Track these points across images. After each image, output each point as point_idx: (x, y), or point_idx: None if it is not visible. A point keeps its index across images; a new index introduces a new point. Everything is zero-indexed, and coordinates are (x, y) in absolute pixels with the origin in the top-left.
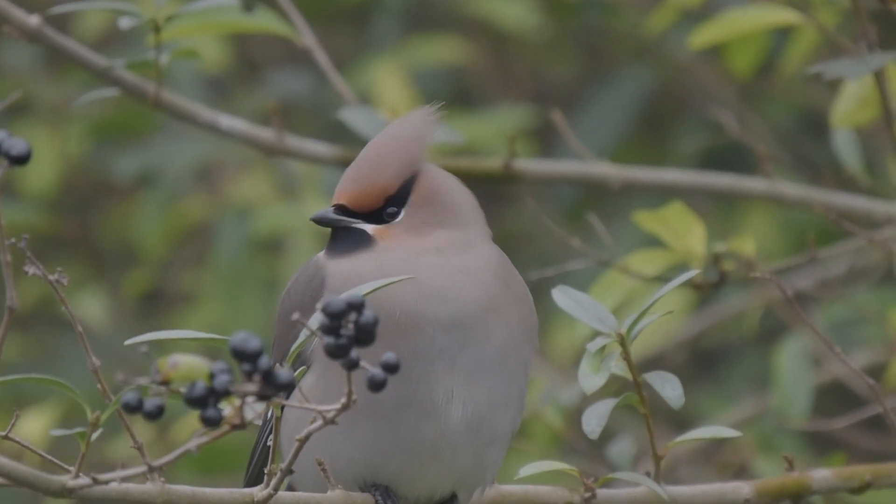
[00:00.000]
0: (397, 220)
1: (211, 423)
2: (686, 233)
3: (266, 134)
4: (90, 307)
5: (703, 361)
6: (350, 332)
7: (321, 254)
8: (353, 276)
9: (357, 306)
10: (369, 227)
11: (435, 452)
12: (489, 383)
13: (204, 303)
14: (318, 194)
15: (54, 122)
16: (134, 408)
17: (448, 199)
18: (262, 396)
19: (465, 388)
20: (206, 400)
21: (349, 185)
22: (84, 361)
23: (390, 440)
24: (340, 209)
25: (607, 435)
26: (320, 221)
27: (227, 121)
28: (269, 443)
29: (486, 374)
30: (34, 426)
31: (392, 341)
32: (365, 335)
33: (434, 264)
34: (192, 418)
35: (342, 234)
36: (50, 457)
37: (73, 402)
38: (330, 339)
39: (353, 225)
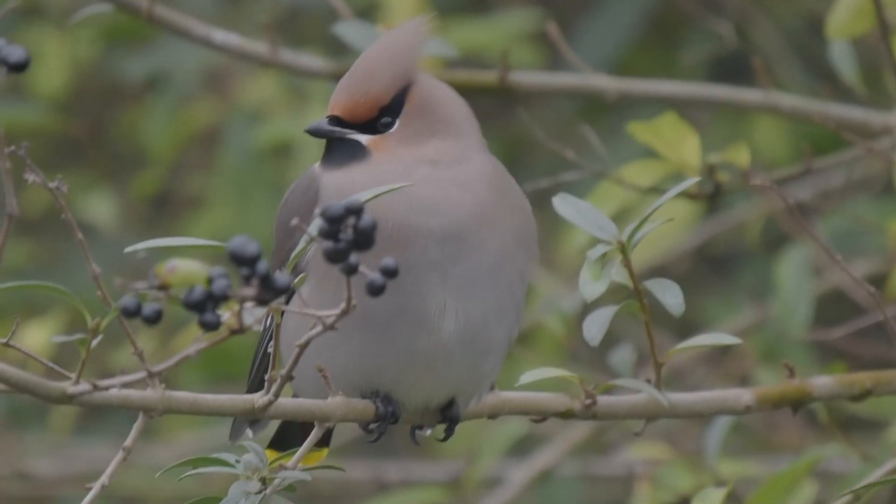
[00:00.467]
0: (391, 130)
1: (209, 327)
2: (680, 143)
3: (260, 48)
4: (99, 209)
5: (705, 271)
6: (349, 236)
7: (316, 165)
8: (347, 187)
9: (355, 210)
10: (363, 138)
11: (429, 363)
12: (483, 295)
13: (212, 206)
14: (325, 102)
15: (64, 26)
16: (132, 312)
17: (442, 109)
18: (260, 301)
19: (458, 300)
20: (204, 304)
21: (342, 97)
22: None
23: (384, 351)
24: (335, 120)
25: (609, 343)
26: (315, 133)
27: (220, 35)
28: (270, 350)
29: (480, 286)
30: (38, 335)
31: (384, 253)
32: (364, 239)
33: (427, 176)
34: (195, 328)
35: (337, 145)
36: (51, 364)
37: (78, 309)
38: (329, 244)
39: (347, 136)
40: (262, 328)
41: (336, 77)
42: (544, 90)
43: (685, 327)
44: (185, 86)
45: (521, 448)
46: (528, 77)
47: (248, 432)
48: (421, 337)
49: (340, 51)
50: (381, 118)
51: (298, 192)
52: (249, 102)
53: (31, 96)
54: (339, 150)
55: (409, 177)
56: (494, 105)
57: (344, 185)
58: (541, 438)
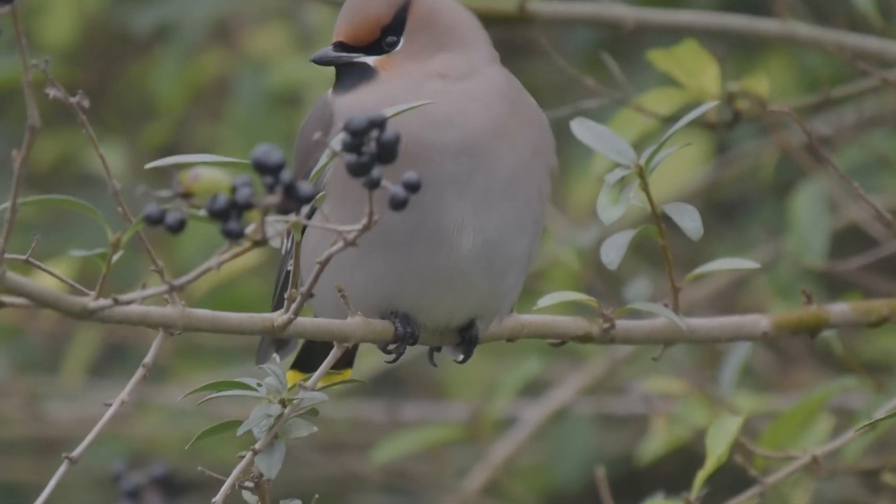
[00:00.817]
0: (397, 48)
1: (232, 235)
2: (700, 71)
3: None
4: (108, 160)
5: (720, 209)
6: (372, 149)
7: (329, 92)
8: (358, 108)
9: (379, 123)
10: (369, 59)
11: (449, 281)
12: (500, 210)
13: (221, 154)
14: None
15: None
16: (156, 220)
17: (448, 21)
18: (284, 209)
19: (475, 216)
20: (227, 212)
21: (344, 22)
22: (103, 216)
23: (403, 269)
24: (339, 46)
25: (622, 280)
26: (320, 61)
27: None
28: (290, 268)
29: (497, 201)
30: (58, 269)
31: (400, 170)
32: (387, 153)
33: (438, 90)
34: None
35: (345, 70)
36: (71, 282)
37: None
38: (352, 157)
39: (354, 59)
40: (283, 247)
41: (340, 4)
42: (563, 19)
43: (695, 264)
44: (193, 36)
45: (536, 389)
46: (547, 7)
47: (275, 356)
48: (440, 254)
49: None
50: (384, 38)
51: (314, 119)
52: (257, 51)
53: (39, 47)
54: (348, 74)
55: (419, 92)
56: (508, 45)
57: (356, 106)
58: (555, 379)
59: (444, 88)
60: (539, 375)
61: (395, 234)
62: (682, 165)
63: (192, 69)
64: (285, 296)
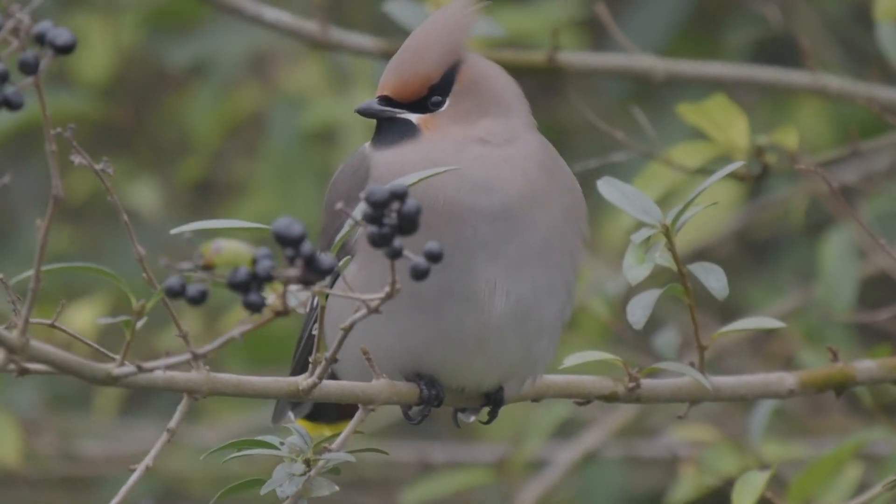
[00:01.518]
0: (441, 109)
1: (254, 308)
2: (729, 125)
3: (310, 26)
4: (143, 196)
5: (749, 253)
6: (393, 220)
7: (367, 144)
8: (398, 166)
9: (400, 195)
10: (413, 117)
11: (479, 343)
12: (533, 274)
13: (256, 192)
14: (370, 85)
15: (108, 12)
16: (177, 293)
17: (492, 88)
18: (304, 281)
19: (508, 278)
20: (248, 285)
21: (392, 76)
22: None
23: (432, 330)
24: (385, 100)
25: (653, 326)
26: (365, 113)
27: (271, 13)
28: (314, 332)
29: (530, 265)
30: (81, 318)
31: (434, 231)
32: (408, 224)
33: (478, 154)
34: (239, 310)
35: (387, 124)
36: (96, 345)
37: (122, 292)
38: (373, 228)
39: (397, 115)
40: (306, 311)
41: (386, 56)
42: (592, 70)
43: (728, 310)
44: (228, 72)
45: (566, 430)
46: (576, 57)
47: (290, 415)
48: (469, 315)
49: (387, 32)
50: (430, 97)
51: (348, 172)
52: (293, 88)
53: (75, 83)
54: (389, 129)
55: (460, 155)
56: (539, 89)
57: (395, 163)
58: (585, 421)
59: (483, 153)
60: (569, 417)
61: (426, 294)
62: (712, 210)
63: (228, 104)
64: (310, 359)
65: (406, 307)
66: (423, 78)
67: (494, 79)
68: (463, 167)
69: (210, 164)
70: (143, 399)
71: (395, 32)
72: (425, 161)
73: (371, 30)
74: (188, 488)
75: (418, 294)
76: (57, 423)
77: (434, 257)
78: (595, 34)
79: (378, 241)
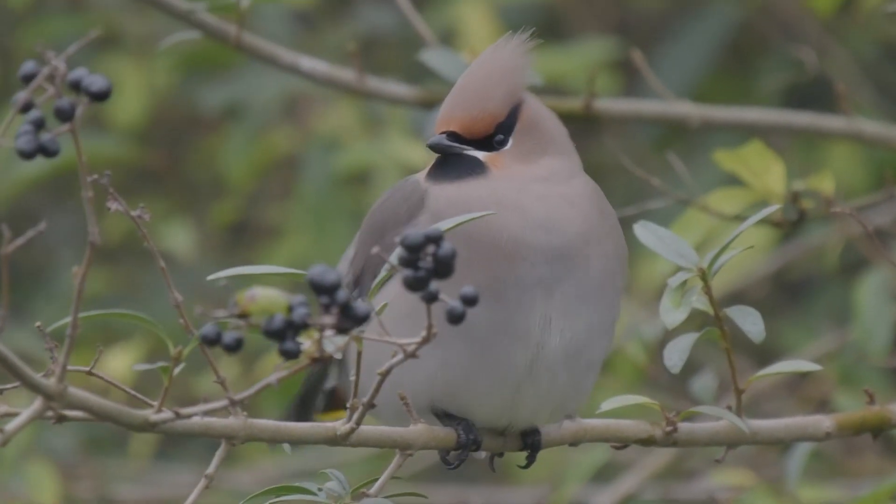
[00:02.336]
0: (506, 147)
1: (289, 355)
2: (765, 171)
3: (347, 75)
4: (177, 239)
5: (785, 296)
6: (429, 264)
7: (419, 176)
8: (462, 202)
9: (435, 239)
10: (481, 154)
11: (531, 377)
12: (588, 312)
13: (290, 235)
14: (403, 129)
15: (141, 56)
16: (213, 341)
17: (548, 129)
18: (340, 329)
19: (564, 317)
20: (284, 333)
21: (459, 112)
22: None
23: (480, 364)
24: (452, 136)
25: (690, 369)
26: (435, 148)
27: (308, 62)
28: (351, 377)
29: (586, 304)
30: (120, 363)
31: (495, 268)
32: (443, 268)
33: (541, 193)
34: (275, 355)
35: (453, 160)
36: (133, 392)
37: (159, 336)
38: (409, 272)
39: (465, 152)
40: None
41: (420, 104)
42: (628, 117)
43: (764, 353)
44: (262, 115)
45: (604, 474)
46: (613, 104)
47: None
48: (519, 351)
49: (419, 79)
50: (496, 135)
51: (398, 199)
52: (327, 131)
53: (110, 127)
54: (454, 165)
55: (524, 193)
56: (574, 132)
57: (457, 198)
58: (623, 464)
59: (545, 192)
60: (608, 460)
61: (478, 328)
62: (747, 253)
63: (261, 147)
64: (347, 405)
65: (456, 339)
66: (491, 116)
67: (549, 120)
68: (526, 205)
69: (244, 207)
70: (178, 443)
71: (429, 80)
72: (491, 197)
73: (404, 76)
74: None
75: (469, 327)
76: (93, 468)
77: (470, 301)
78: (629, 75)
79: (413, 285)
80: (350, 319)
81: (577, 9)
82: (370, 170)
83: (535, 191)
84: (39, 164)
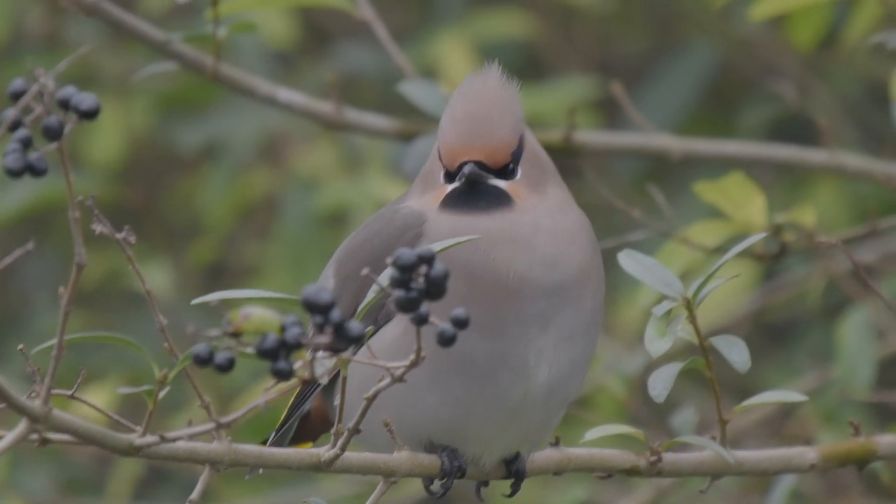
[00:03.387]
0: (517, 177)
1: (282, 375)
2: (746, 203)
3: (325, 107)
4: (155, 279)
5: (767, 335)
6: (420, 285)
7: (410, 203)
8: (501, 233)
9: (428, 259)
10: (503, 184)
11: (516, 412)
12: (575, 348)
13: (269, 275)
14: (382, 166)
15: (119, 94)
16: (205, 360)
17: (543, 159)
18: (334, 349)
19: (554, 350)
20: (277, 352)
21: (479, 142)
22: (149, 335)
23: (479, 397)
24: (480, 165)
25: (670, 406)
26: (472, 177)
27: (285, 94)
28: (335, 403)
29: (575, 339)
30: (98, 398)
31: (497, 303)
32: (435, 289)
33: (550, 228)
34: (254, 390)
35: (478, 190)
36: (117, 416)
37: (135, 375)
38: (400, 293)
39: (492, 182)
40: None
41: (399, 136)
42: (609, 150)
43: (745, 394)
44: (240, 154)
45: None
46: (593, 136)
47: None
48: (517, 385)
49: (397, 115)
50: (510, 164)
51: (392, 230)
52: (305, 170)
53: (87, 165)
54: (479, 196)
55: (536, 228)
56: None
57: (474, 230)
58: (603, 502)
59: (554, 226)
60: (586, 499)
61: (478, 362)
62: (729, 290)
63: (240, 187)
64: (332, 431)
65: (454, 374)
66: (508, 145)
67: (541, 150)
68: (537, 243)
69: (222, 247)
70: (156, 484)
71: (407, 113)
72: (505, 231)
73: (383, 110)
74: None
75: (469, 361)
76: None
77: (460, 324)
78: (611, 113)
79: (405, 306)
80: (344, 339)
81: (559, 48)
82: (349, 209)
83: (546, 225)
84: (12, 200)
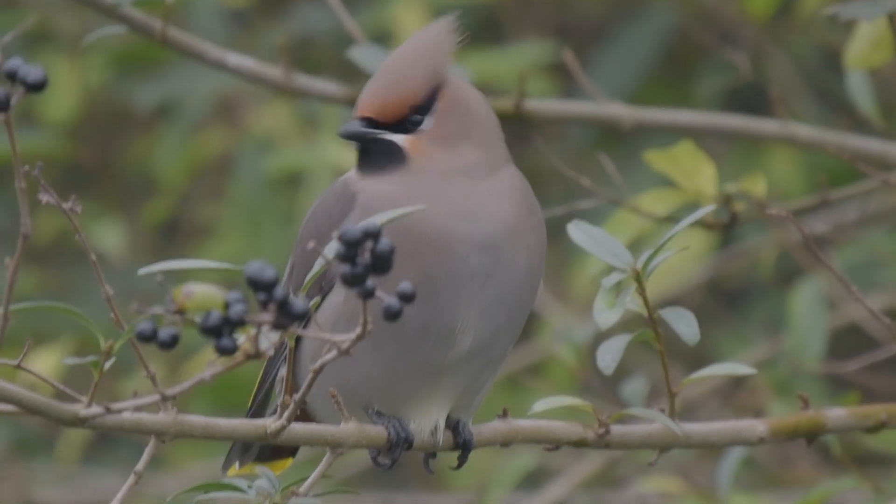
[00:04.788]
0: (423, 128)
1: (226, 352)
2: (696, 172)
3: (274, 72)
4: (108, 238)
5: (719, 303)
6: (366, 260)
7: (351, 172)
8: (388, 198)
9: (373, 234)
10: (398, 138)
11: (440, 376)
12: (502, 314)
13: (223, 235)
14: (336, 128)
15: (74, 52)
16: (148, 337)
17: (475, 113)
18: (277, 326)
19: (483, 314)
20: (220, 329)
21: (372, 97)
22: (101, 295)
23: (407, 363)
24: (367, 121)
25: (621, 375)
26: (348, 135)
27: (235, 59)
28: (282, 375)
29: (503, 305)
30: (46, 363)
31: (424, 262)
32: (381, 263)
33: (465, 186)
34: (204, 354)
35: (372, 147)
36: (62, 387)
37: (85, 338)
38: (346, 268)
39: (380, 136)
40: (269, 356)
41: (350, 102)
42: (560, 118)
43: (697, 361)
44: (196, 114)
45: (533, 481)
46: (544, 105)
47: (236, 465)
48: (442, 351)
49: (352, 78)
50: (411, 116)
51: (330, 200)
52: (261, 131)
53: (41, 123)
54: (375, 153)
55: (448, 188)
56: (506, 135)
57: (385, 194)
58: (552, 471)
59: (470, 185)
60: (536, 467)
61: (407, 328)
62: (682, 259)
63: (195, 146)
64: (277, 402)
65: (386, 339)
66: (404, 97)
67: (476, 103)
68: (452, 197)
69: (176, 207)
70: (105, 447)
71: (358, 79)
72: (417, 193)
73: (339, 77)
74: None
75: (399, 327)
76: (18, 470)
77: (407, 298)
78: (567, 78)
79: (351, 281)
80: (287, 316)
81: (516, 12)
82: (303, 172)
83: (459, 184)
84: None
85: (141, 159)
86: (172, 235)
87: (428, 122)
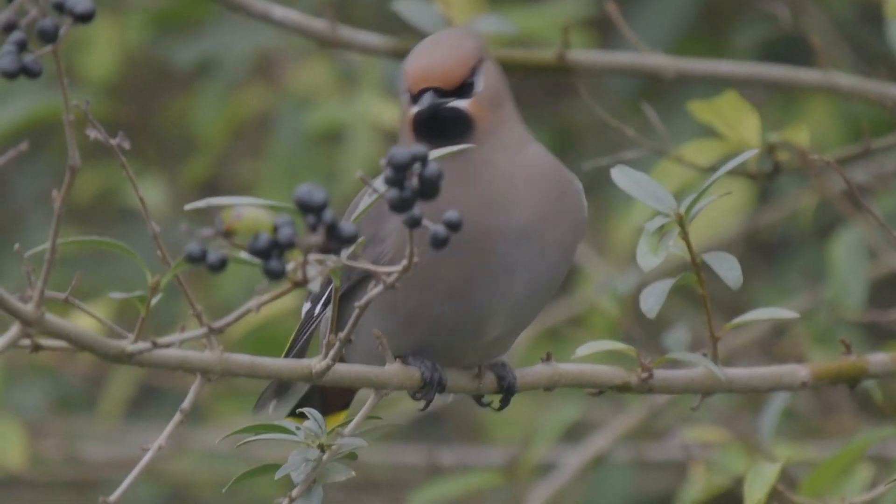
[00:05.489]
0: (479, 89)
1: (274, 275)
2: (740, 123)
3: (319, 25)
4: (149, 195)
5: (758, 255)
6: (414, 184)
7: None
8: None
9: (421, 158)
10: (463, 103)
11: (485, 324)
12: (531, 304)
13: (262, 193)
14: (376, 86)
15: (114, 11)
16: (197, 258)
17: (503, 90)
18: (326, 249)
19: (510, 311)
20: (269, 251)
21: (432, 67)
22: (142, 250)
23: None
24: (435, 92)
25: (662, 325)
26: (429, 110)
27: (280, 11)
28: (327, 314)
29: (532, 297)
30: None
31: (463, 257)
32: (429, 188)
33: (504, 171)
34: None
35: (436, 117)
36: (110, 323)
37: (129, 290)
38: (394, 192)
39: (451, 104)
40: (304, 314)
41: (395, 55)
42: (603, 68)
43: (737, 313)
44: (235, 72)
45: (575, 433)
46: (587, 56)
47: (271, 406)
48: (472, 340)
49: (393, 31)
50: (471, 77)
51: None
52: (300, 88)
53: (81, 82)
54: (440, 126)
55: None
56: (547, 89)
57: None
58: (594, 423)
59: (506, 169)
60: (578, 419)
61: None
62: (722, 211)
63: (234, 105)
64: (323, 342)
65: (424, 286)
66: (465, 61)
67: (504, 82)
68: (490, 185)
69: (216, 165)
70: (147, 403)
71: (402, 31)
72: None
73: (377, 28)
74: (194, 492)
75: (431, 325)
76: (61, 427)
77: (454, 226)
78: (604, 33)
79: (399, 206)
80: (336, 240)
81: None
82: (342, 128)
83: (502, 167)
84: (5, 116)
85: (180, 117)
86: (212, 193)
87: (479, 84)
